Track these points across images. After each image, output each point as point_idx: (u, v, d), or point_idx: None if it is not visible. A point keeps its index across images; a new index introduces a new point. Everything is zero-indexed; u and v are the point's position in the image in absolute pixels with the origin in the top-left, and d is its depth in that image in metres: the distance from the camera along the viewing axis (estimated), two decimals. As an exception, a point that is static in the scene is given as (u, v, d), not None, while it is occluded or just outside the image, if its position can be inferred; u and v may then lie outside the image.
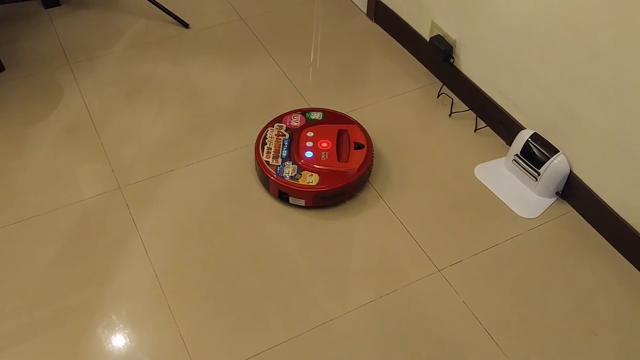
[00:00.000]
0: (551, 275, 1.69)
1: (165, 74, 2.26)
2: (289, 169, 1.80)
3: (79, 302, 1.60)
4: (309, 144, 1.88)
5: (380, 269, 1.69)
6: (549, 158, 1.82)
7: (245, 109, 2.13)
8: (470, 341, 1.55)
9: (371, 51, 2.39)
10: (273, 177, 1.79)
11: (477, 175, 1.94)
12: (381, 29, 2.49)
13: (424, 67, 2.32)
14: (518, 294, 1.65)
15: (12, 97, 2.15)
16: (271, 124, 1.95)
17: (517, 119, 1.97)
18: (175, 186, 1.88)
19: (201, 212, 1.81)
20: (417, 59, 2.35)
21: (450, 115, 2.13)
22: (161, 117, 2.10)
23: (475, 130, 2.08)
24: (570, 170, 1.82)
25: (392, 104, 2.17)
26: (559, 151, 1.82)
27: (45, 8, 2.54)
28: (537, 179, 1.85)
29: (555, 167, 1.82)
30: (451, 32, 2.11)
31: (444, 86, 2.23)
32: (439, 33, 2.16)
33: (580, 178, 1.81)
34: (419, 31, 2.28)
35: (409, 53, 2.38)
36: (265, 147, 1.87)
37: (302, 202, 1.80)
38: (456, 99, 2.18)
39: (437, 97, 2.20)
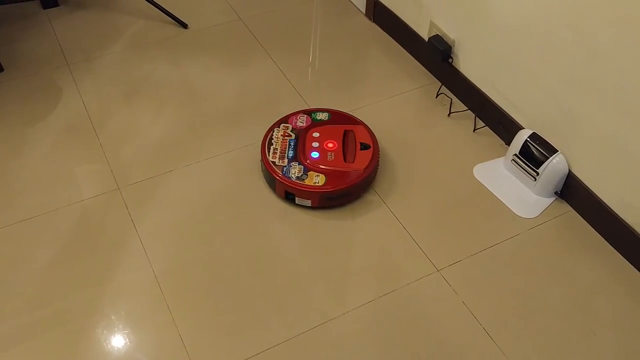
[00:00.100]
0: (550, 275, 1.69)
1: (164, 74, 2.26)
2: (295, 170, 1.81)
3: (79, 303, 1.60)
4: (315, 144, 1.88)
5: (379, 269, 1.69)
6: (548, 158, 1.82)
7: (244, 109, 2.14)
8: (469, 341, 1.55)
9: (370, 51, 2.39)
10: (279, 177, 1.79)
11: (476, 175, 1.94)
12: (380, 29, 2.49)
13: (423, 67, 2.32)
14: (517, 293, 1.65)
15: (11, 98, 2.15)
16: (277, 124, 1.95)
17: (516, 119, 1.97)
18: (174, 186, 1.88)
19: (200, 213, 1.81)
20: (416, 59, 2.35)
21: (449, 115, 2.13)
22: (160, 118, 2.10)
23: (474, 130, 2.08)
24: (569, 170, 1.82)
25: (391, 104, 2.17)
26: (557, 151, 1.82)
27: (44, 9, 2.54)
28: (536, 179, 1.86)
29: (554, 167, 1.82)
30: (450, 32, 2.11)
31: (443, 86, 2.23)
32: (437, 33, 2.16)
33: (579, 178, 1.81)
34: (417, 31, 2.29)
35: (407, 53, 2.38)
36: (272, 147, 1.87)
37: (308, 203, 1.80)
38: (455, 99, 2.19)
39: (436, 97, 2.20)
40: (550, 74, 1.77)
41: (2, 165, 1.92)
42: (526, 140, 1.87)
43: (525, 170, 1.88)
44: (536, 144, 1.85)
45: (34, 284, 1.63)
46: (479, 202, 1.86)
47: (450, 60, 2.15)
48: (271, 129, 1.93)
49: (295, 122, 1.95)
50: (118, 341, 1.53)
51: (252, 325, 1.57)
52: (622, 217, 1.72)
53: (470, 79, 2.11)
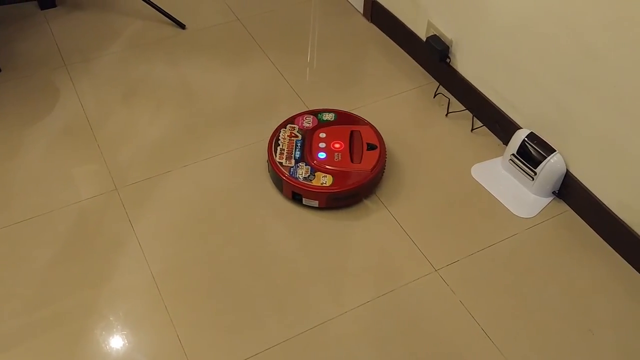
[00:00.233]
0: (548, 275, 1.69)
1: (161, 74, 2.26)
2: (303, 170, 1.81)
3: (77, 303, 1.59)
4: (322, 145, 1.88)
5: (377, 269, 1.69)
6: (546, 157, 1.82)
7: (242, 110, 2.14)
8: (467, 340, 1.55)
9: (368, 51, 2.39)
10: (286, 177, 1.79)
11: (473, 175, 1.94)
12: (378, 29, 2.49)
13: (421, 67, 2.32)
14: (515, 293, 1.65)
15: (9, 99, 2.15)
16: (283, 125, 1.95)
17: (513, 119, 1.97)
18: (172, 187, 1.88)
19: (198, 213, 1.81)
20: (414, 59, 2.35)
21: (446, 115, 2.14)
22: (158, 118, 2.09)
23: (472, 130, 2.09)
24: (567, 170, 1.83)
25: (389, 104, 2.17)
26: (555, 150, 1.82)
27: (42, 9, 2.54)
28: (533, 179, 1.86)
29: (552, 167, 1.82)
30: (447, 32, 2.11)
31: (441, 86, 2.23)
32: (435, 33, 2.16)
33: (577, 177, 1.81)
34: (415, 31, 2.29)
35: (405, 53, 2.38)
36: (278, 148, 1.87)
37: (315, 203, 1.80)
38: (453, 99, 2.19)
39: (434, 97, 2.20)
40: (548, 74, 1.77)
41: (-1, 166, 1.92)
42: (524, 140, 1.87)
43: (523, 170, 1.88)
44: (534, 144, 1.85)
45: (32, 285, 1.63)
46: (476, 202, 1.87)
47: (447, 60, 2.15)
48: (278, 130, 1.93)
49: (302, 123, 1.95)
50: (116, 342, 1.53)
51: (250, 325, 1.57)
52: (620, 217, 1.72)
53: (467, 79, 2.11)
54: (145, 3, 2.49)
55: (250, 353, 1.51)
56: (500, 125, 2.03)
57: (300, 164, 1.83)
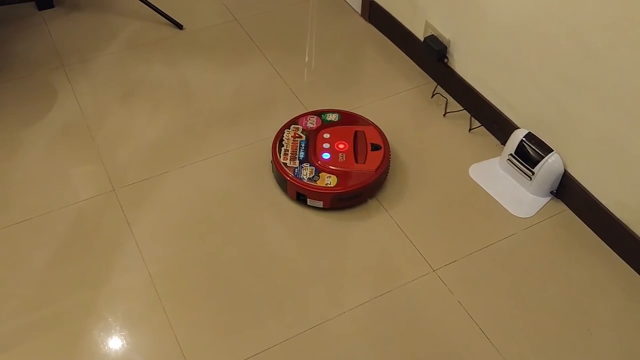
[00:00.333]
0: (546, 275, 1.70)
1: (159, 75, 2.26)
2: (307, 171, 1.81)
3: (75, 304, 1.59)
4: (326, 145, 1.88)
5: (375, 269, 1.69)
6: (543, 157, 1.82)
7: (240, 110, 2.13)
8: (465, 340, 1.55)
9: (366, 51, 2.40)
10: (291, 178, 1.79)
11: (471, 175, 1.94)
12: (375, 29, 2.49)
13: (418, 67, 2.32)
14: (513, 293, 1.65)
15: (6, 100, 2.14)
16: (287, 125, 1.95)
17: (511, 119, 1.98)
18: (170, 187, 1.88)
19: (197, 213, 1.81)
20: (412, 59, 2.35)
21: (444, 115, 2.14)
22: (155, 119, 2.09)
23: (470, 130, 2.09)
24: (565, 170, 1.83)
25: (387, 104, 2.17)
26: (553, 150, 1.83)
27: (39, 10, 2.53)
28: (531, 179, 1.86)
29: (550, 167, 1.82)
30: (445, 32, 2.12)
31: (438, 86, 2.23)
32: (433, 33, 2.17)
33: (575, 177, 1.81)
34: (413, 31, 2.29)
35: (403, 53, 2.38)
36: (282, 148, 1.87)
37: (320, 204, 1.81)
38: (450, 99, 2.19)
39: (432, 97, 2.20)
40: (546, 74, 1.77)
41: (-3, 167, 1.92)
42: (522, 139, 1.87)
43: (521, 170, 1.88)
44: (531, 144, 1.85)
45: (31, 285, 1.63)
46: (474, 202, 1.87)
47: (445, 60, 2.15)
48: (282, 131, 1.93)
49: (306, 123, 1.95)
50: (115, 343, 1.53)
51: (249, 325, 1.57)
52: (618, 217, 1.72)
53: (465, 79, 2.11)
54: (142, 4, 2.49)
55: (249, 353, 1.51)
56: (498, 125, 2.03)
57: (304, 164, 1.83)
